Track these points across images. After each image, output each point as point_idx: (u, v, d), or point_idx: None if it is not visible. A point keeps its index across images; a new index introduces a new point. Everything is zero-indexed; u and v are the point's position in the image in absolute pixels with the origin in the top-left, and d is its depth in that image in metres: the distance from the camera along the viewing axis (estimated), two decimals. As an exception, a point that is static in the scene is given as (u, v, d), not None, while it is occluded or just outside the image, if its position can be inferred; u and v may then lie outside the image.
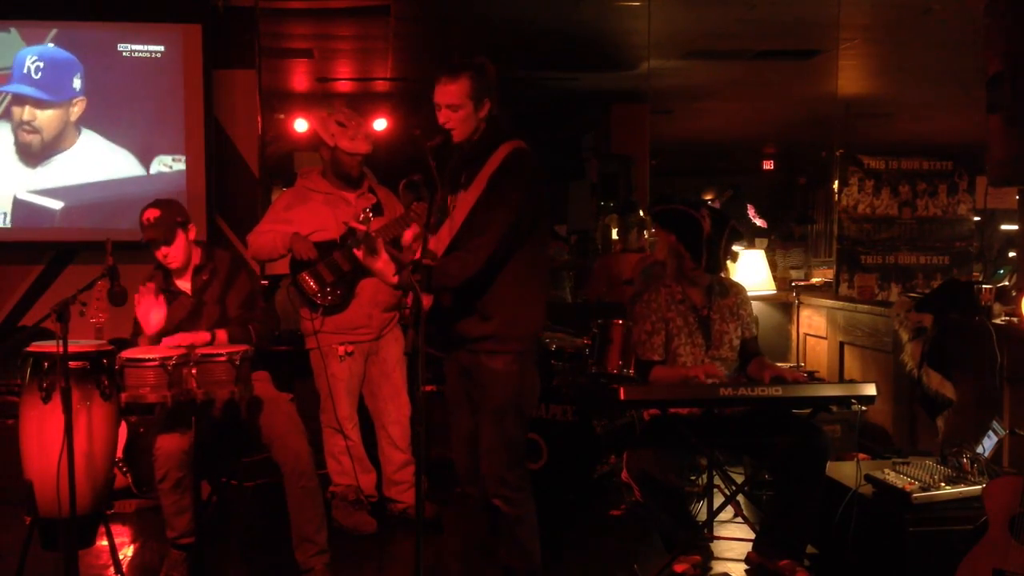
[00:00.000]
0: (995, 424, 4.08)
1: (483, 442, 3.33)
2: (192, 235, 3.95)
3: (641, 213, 7.61)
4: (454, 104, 3.22)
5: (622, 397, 3.59)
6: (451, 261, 3.21)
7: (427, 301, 3.12)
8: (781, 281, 7.02)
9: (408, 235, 3.35)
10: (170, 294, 3.96)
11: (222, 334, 3.83)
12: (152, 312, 3.79)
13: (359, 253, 3.15)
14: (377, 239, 3.13)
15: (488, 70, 3.26)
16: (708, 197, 13.33)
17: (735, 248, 4.21)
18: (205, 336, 3.79)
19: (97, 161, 5.86)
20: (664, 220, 4.09)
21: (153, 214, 3.85)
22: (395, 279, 3.13)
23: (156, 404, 3.52)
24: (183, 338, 3.69)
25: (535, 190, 3.28)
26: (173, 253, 3.89)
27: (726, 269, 4.27)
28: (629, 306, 4.16)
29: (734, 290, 4.15)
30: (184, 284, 3.99)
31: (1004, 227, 10.22)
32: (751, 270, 6.26)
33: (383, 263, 3.13)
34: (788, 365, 5.80)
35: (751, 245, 8.17)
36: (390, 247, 3.19)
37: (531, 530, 3.37)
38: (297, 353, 4.71)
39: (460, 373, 3.41)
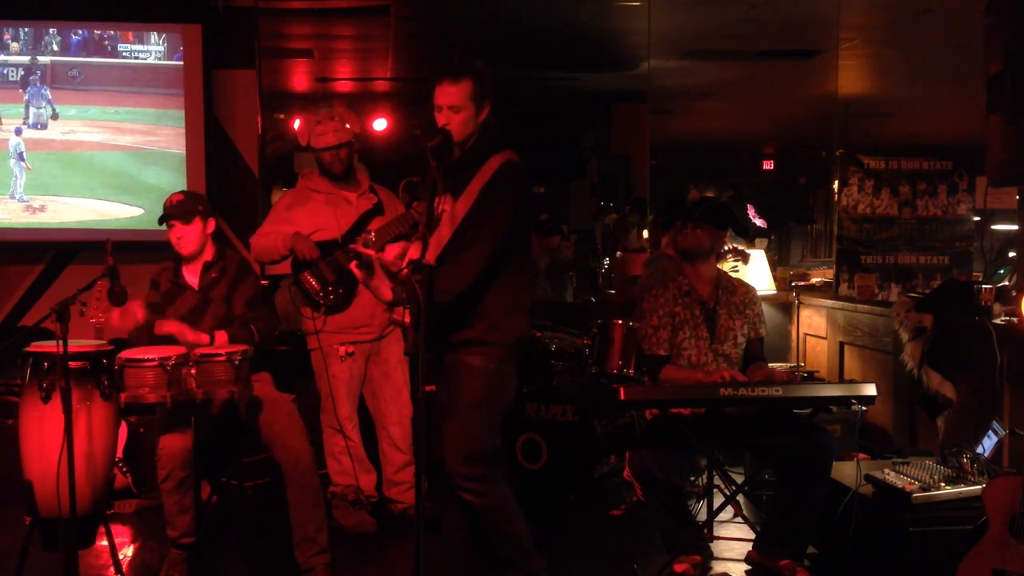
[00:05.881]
0: (995, 424, 4.08)
1: (448, 432, 3.32)
2: (211, 228, 4.02)
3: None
4: (456, 106, 3.24)
5: (622, 397, 3.59)
6: (442, 278, 3.19)
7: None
8: (781, 281, 7.03)
9: (390, 254, 3.35)
10: (177, 287, 4.00)
11: (222, 336, 3.86)
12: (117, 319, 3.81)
13: (359, 274, 3.22)
14: (375, 262, 3.20)
15: (487, 76, 3.28)
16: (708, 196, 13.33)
17: (746, 251, 4.20)
18: (204, 338, 3.81)
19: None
20: (716, 217, 4.04)
21: (177, 198, 3.98)
22: (390, 295, 3.16)
23: (156, 404, 3.52)
24: (179, 327, 3.75)
25: (524, 203, 3.32)
26: (187, 236, 3.94)
27: (736, 270, 4.28)
28: (636, 301, 4.15)
29: (742, 289, 4.15)
30: (192, 278, 4.02)
31: (995, 227, 10.12)
32: (751, 270, 6.25)
33: (378, 281, 3.21)
34: (788, 365, 5.80)
35: (752, 245, 8.16)
36: (387, 267, 3.23)
37: (508, 516, 3.33)
38: (298, 353, 4.72)
39: (444, 375, 3.40)
